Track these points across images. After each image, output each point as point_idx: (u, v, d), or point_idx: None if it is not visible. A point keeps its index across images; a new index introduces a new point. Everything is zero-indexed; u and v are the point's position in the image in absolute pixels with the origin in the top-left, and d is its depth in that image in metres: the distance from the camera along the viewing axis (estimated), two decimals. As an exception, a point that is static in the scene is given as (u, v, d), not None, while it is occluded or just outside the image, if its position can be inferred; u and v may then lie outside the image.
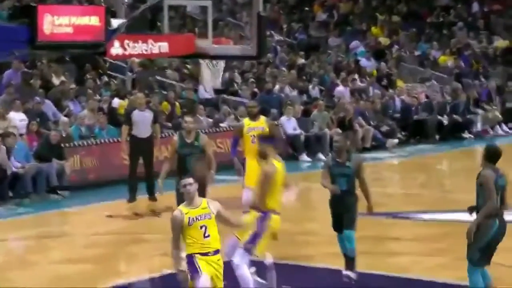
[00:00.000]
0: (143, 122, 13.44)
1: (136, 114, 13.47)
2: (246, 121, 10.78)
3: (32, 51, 7.90)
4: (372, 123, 20.40)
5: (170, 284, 6.76)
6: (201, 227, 6.58)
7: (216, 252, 6.65)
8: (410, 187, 15.88)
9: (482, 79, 25.27)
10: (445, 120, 21.96)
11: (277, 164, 8.05)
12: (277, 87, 20.71)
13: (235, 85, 20.86)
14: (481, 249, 7.44)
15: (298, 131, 18.81)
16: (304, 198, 15.17)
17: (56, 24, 7.39)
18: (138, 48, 8.37)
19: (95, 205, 13.85)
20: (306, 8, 29.22)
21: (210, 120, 18.37)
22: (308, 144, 18.83)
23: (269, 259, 9.59)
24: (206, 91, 19.73)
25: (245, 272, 7.76)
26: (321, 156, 18.26)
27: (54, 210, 13.71)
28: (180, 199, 9.61)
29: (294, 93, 21.02)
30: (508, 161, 7.82)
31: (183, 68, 20.72)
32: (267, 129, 10.53)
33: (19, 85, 17.00)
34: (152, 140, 13.59)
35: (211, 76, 8.79)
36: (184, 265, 6.69)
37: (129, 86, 18.92)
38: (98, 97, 17.58)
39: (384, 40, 27.01)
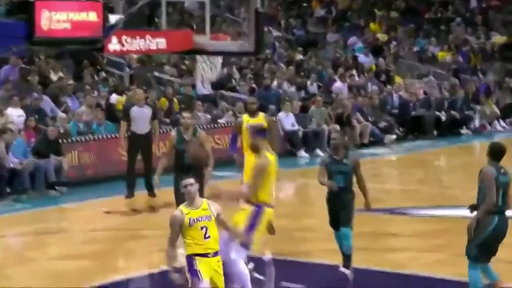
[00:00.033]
0: (141, 118, 13.43)
1: (134, 110, 13.46)
2: (245, 117, 10.78)
3: (30, 47, 7.88)
4: (370, 119, 20.40)
5: (168, 280, 6.73)
6: (201, 228, 6.56)
7: (216, 254, 6.62)
8: (408, 183, 15.88)
9: (480, 75, 25.27)
10: (443, 116, 21.97)
11: (270, 157, 8.04)
12: (275, 83, 20.70)
13: (233, 81, 20.85)
14: (478, 245, 7.45)
15: (296, 127, 18.80)
16: (302, 194, 15.18)
17: (53, 19, 7.37)
18: (136, 44, 8.36)
19: (93, 201, 13.84)
20: (304, 4, 29.20)
21: (208, 116, 18.36)
22: (306, 140, 18.83)
23: (267, 255, 9.60)
24: (204, 86, 19.71)
25: (243, 268, 7.75)
26: (319, 152, 18.26)
27: (52, 206, 13.70)
28: (179, 197, 9.64)
29: (292, 89, 21.01)
30: (507, 157, 7.80)
31: (181, 64, 20.70)
32: (266, 126, 10.52)
33: (16, 81, 16.98)
34: (151, 136, 13.58)
35: (207, 70, 8.76)
36: (178, 263, 6.67)
37: (127, 82, 18.91)
38: (96, 93, 17.57)
39: (382, 36, 26.99)
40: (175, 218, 6.61)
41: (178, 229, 6.60)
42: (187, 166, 9.62)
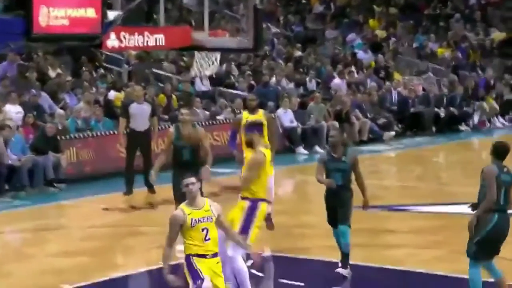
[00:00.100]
0: (141, 115, 13.44)
1: (134, 107, 13.46)
2: (244, 114, 10.79)
3: (28, 43, 7.88)
4: (369, 115, 20.42)
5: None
6: (202, 230, 6.52)
7: (215, 255, 6.61)
8: (407, 180, 15.90)
9: (479, 72, 25.27)
10: (442, 112, 21.99)
11: (265, 152, 8.06)
12: (273, 79, 20.71)
13: (232, 77, 20.85)
14: (478, 243, 7.46)
15: (295, 123, 18.82)
16: (301, 191, 15.20)
17: (51, 16, 7.37)
18: (134, 40, 8.35)
19: (92, 197, 13.86)
20: (303, 0, 29.19)
21: (207, 112, 18.37)
22: (305, 136, 18.85)
23: (267, 252, 9.63)
24: (202, 83, 19.72)
25: (241, 264, 7.76)
26: (318, 148, 18.27)
27: (50, 203, 13.71)
28: (178, 194, 9.65)
29: (291, 85, 21.02)
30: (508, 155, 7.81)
31: (179, 60, 20.70)
32: (265, 122, 10.55)
33: (15, 78, 16.98)
34: (150, 133, 13.59)
35: (205, 67, 8.77)
36: (175, 259, 6.65)
37: (125, 78, 18.91)
38: (94, 89, 17.57)
39: (381, 33, 26.99)
40: (176, 218, 6.56)
41: (178, 229, 6.56)
42: (186, 163, 9.65)
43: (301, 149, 18.61)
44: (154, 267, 9.10)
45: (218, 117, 18.22)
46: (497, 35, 27.34)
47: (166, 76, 19.84)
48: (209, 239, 6.55)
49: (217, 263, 6.63)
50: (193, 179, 6.56)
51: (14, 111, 15.34)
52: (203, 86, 19.75)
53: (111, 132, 15.75)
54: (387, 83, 22.79)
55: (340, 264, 8.80)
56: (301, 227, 11.42)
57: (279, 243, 10.32)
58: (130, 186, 13.53)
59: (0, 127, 14.20)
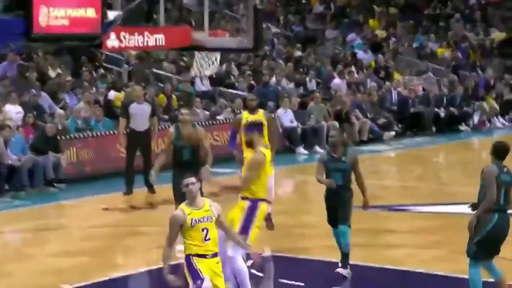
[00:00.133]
0: (141, 115, 13.43)
1: (134, 107, 13.46)
2: (244, 114, 10.80)
3: (28, 43, 7.88)
4: (369, 115, 20.42)
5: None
6: (202, 230, 6.51)
7: (215, 255, 6.61)
8: (407, 180, 15.90)
9: (479, 72, 25.26)
10: (442, 112, 21.99)
11: (265, 152, 8.06)
12: (273, 79, 20.71)
13: (232, 77, 20.85)
14: (478, 243, 7.46)
15: (295, 123, 18.82)
16: (301, 191, 15.20)
17: (51, 16, 7.37)
18: (134, 40, 8.34)
19: (92, 198, 13.86)
20: (303, 0, 29.18)
21: (207, 112, 18.37)
22: (305, 136, 18.85)
23: (267, 252, 9.63)
24: (202, 83, 19.72)
25: (241, 264, 7.75)
26: (318, 148, 18.28)
27: (50, 203, 13.71)
28: (178, 193, 9.65)
29: (291, 85, 21.02)
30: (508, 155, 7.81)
31: (179, 60, 20.70)
32: (265, 123, 10.56)
33: (14, 78, 16.98)
34: (150, 133, 13.59)
35: (205, 67, 8.77)
36: (174, 259, 6.64)
37: (125, 78, 18.90)
38: (94, 89, 17.57)
39: (381, 33, 27.00)
40: (176, 218, 6.55)
41: (178, 229, 6.56)
42: (186, 163, 9.65)
43: (301, 149, 18.61)
44: (154, 267, 9.10)
45: (218, 117, 18.22)
46: (497, 35, 27.34)
47: (166, 76, 19.85)
48: (209, 239, 6.54)
49: (217, 263, 6.63)
50: (193, 179, 6.56)
51: (14, 111, 15.34)
52: (203, 86, 19.75)
53: (111, 132, 15.76)
54: (387, 83, 22.79)
55: (340, 264, 8.80)
56: (301, 227, 11.42)
57: (279, 243, 10.32)
58: (130, 186, 13.53)
59: (0, 127, 14.20)
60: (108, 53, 18.86)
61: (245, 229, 7.80)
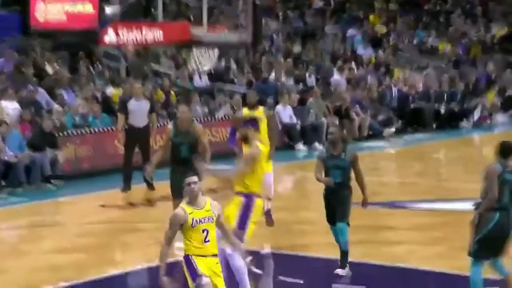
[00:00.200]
0: (139, 111, 13.42)
1: (132, 103, 13.44)
2: (245, 110, 10.79)
3: (25, 38, 7.88)
4: (369, 112, 20.41)
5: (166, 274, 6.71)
6: (203, 231, 6.48)
7: (214, 256, 6.59)
8: (407, 176, 15.91)
9: (480, 67, 25.22)
10: (442, 108, 21.98)
11: (262, 147, 8.05)
12: (272, 75, 20.70)
13: (231, 73, 20.83)
14: (479, 241, 7.45)
15: (294, 120, 18.81)
16: (300, 187, 15.19)
17: (49, 11, 7.35)
18: (132, 35, 8.32)
19: (89, 194, 13.86)
20: (303, -4, 29.14)
21: (206, 109, 18.34)
22: (304, 133, 18.84)
23: (266, 249, 9.63)
24: (200, 79, 19.71)
25: (239, 261, 7.74)
26: (317, 145, 18.27)
27: (47, 199, 13.71)
28: (176, 191, 9.64)
29: (290, 81, 21.01)
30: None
31: (178, 56, 20.69)
32: (265, 120, 10.56)
33: (11, 73, 16.95)
34: (149, 130, 13.58)
35: (203, 62, 8.77)
36: (172, 257, 6.61)
37: (123, 74, 18.88)
38: (91, 85, 17.55)
39: (381, 28, 26.97)
40: (176, 217, 6.51)
41: (178, 227, 6.52)
42: (184, 160, 9.63)
43: (300, 146, 18.61)
44: (152, 264, 9.09)
45: (216, 114, 18.20)
46: (498, 30, 27.31)
47: (164, 72, 19.82)
48: (208, 240, 6.52)
49: (217, 263, 6.62)
50: (195, 178, 6.52)
51: (11, 107, 15.33)
52: (202, 82, 19.73)
53: (109, 128, 15.75)
54: (387, 79, 22.78)
55: (339, 264, 8.79)
56: (300, 223, 11.42)
57: (278, 240, 10.32)
58: (128, 183, 13.53)
59: (-3, 123, 14.20)
60: (105, 48, 18.84)
61: (241, 225, 7.79)
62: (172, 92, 18.30)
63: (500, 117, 22.98)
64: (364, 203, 8.83)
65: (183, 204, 6.58)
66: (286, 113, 18.77)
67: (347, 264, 8.73)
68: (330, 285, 8.55)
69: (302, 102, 19.63)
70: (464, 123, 22.24)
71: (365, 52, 24.62)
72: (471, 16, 28.40)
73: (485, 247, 7.45)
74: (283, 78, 20.85)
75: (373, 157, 17.61)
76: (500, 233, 7.44)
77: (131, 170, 13.58)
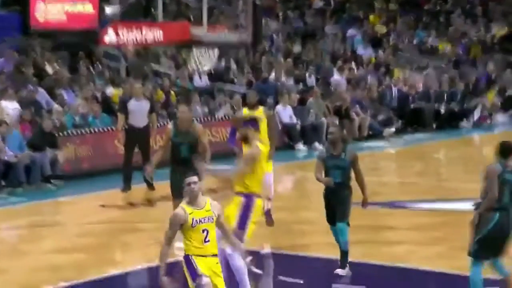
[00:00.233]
0: (140, 111, 13.42)
1: (132, 103, 13.44)
2: (245, 110, 10.79)
3: (25, 39, 7.88)
4: (369, 112, 20.41)
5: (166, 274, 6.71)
6: (203, 231, 6.48)
7: (214, 256, 6.59)
8: (407, 176, 15.91)
9: (481, 67, 25.22)
10: (442, 108, 21.98)
11: (262, 147, 8.05)
12: (272, 75, 20.70)
13: (231, 73, 20.83)
14: (479, 241, 7.45)
15: (294, 120, 18.81)
16: (300, 187, 15.20)
17: (49, 11, 7.35)
18: (132, 35, 8.32)
19: (89, 194, 13.86)
20: (303, -4, 29.14)
21: (206, 109, 18.34)
22: (304, 133, 18.84)
23: (266, 249, 9.63)
24: (200, 79, 19.71)
25: (239, 261, 7.74)
26: (317, 145, 18.28)
27: (47, 199, 13.71)
28: (176, 191, 9.65)
29: (290, 81, 21.01)
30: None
31: (178, 56, 20.69)
32: (265, 120, 10.56)
33: (11, 73, 16.95)
34: (149, 130, 13.58)
35: (203, 62, 8.77)
36: (172, 257, 6.61)
37: (123, 74, 18.88)
38: (91, 85, 17.55)
39: (381, 28, 26.98)
40: (177, 217, 6.50)
41: (178, 228, 6.53)
42: (184, 160, 9.64)
43: (300, 146, 18.61)
44: (152, 264, 9.09)
45: (216, 114, 18.20)
46: (499, 30, 27.30)
47: (164, 72, 19.82)
48: (208, 240, 6.52)
49: (217, 263, 6.62)
50: (195, 178, 6.51)
51: (11, 107, 15.33)
52: (202, 82, 19.73)
53: (109, 128, 15.75)
54: (387, 79, 22.78)
55: (339, 263, 8.79)
56: (300, 223, 11.42)
57: (278, 240, 10.32)
58: (128, 183, 13.53)
59: (-3, 123, 14.20)
60: (105, 48, 18.84)
61: (241, 225, 7.80)
62: (172, 92, 18.30)
63: (500, 117, 22.98)
64: (364, 203, 8.83)
65: (183, 204, 6.58)
66: (286, 113, 18.77)
67: (347, 264, 8.73)
68: (330, 285, 8.55)
69: (302, 102, 19.63)
70: (464, 123, 22.24)
71: (365, 52, 24.62)
72: (471, 16, 28.40)
73: (485, 247, 7.45)
74: (283, 78, 20.85)
75: (373, 157, 17.62)
76: (500, 233, 7.44)
77: (131, 170, 13.58)
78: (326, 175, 8.75)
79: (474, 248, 7.48)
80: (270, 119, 10.76)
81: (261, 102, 12.47)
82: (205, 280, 6.44)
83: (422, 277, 8.94)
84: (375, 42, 25.54)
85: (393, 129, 20.73)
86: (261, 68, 21.02)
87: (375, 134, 20.18)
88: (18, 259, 10.01)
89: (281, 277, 8.77)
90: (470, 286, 7.51)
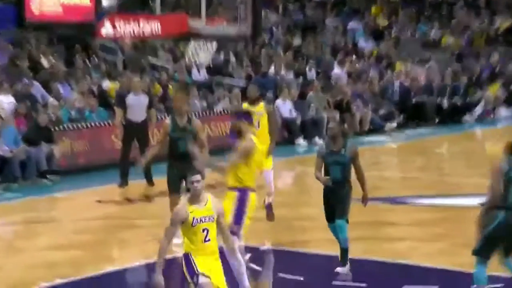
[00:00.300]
0: (138, 106, 13.41)
1: (131, 98, 13.42)
2: (245, 106, 10.78)
3: (20, 31, 7.87)
4: (370, 106, 20.42)
5: (165, 271, 6.73)
6: (203, 230, 6.47)
7: (214, 255, 6.59)
8: (409, 171, 15.93)
9: (484, 60, 25.20)
10: (444, 102, 21.98)
11: (256, 140, 8.05)
12: (272, 69, 20.69)
13: (230, 67, 20.82)
14: (483, 240, 7.45)
15: (294, 114, 18.82)
16: (301, 182, 15.21)
17: (44, 3, 7.34)
18: (129, 28, 8.32)
19: (86, 190, 13.87)
20: (303, -13, 29.10)
21: (204, 104, 18.34)
22: (305, 127, 18.85)
23: (267, 246, 9.65)
24: (199, 72, 19.70)
25: (238, 259, 7.75)
26: (317, 140, 18.29)
27: (43, 195, 13.72)
28: (172, 186, 9.66)
29: (290, 75, 21.01)
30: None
31: (175, 49, 20.67)
32: (266, 115, 10.56)
33: (6, 66, 16.94)
34: (147, 125, 13.57)
35: (201, 55, 8.76)
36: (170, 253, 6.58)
37: (120, 67, 18.87)
38: (88, 78, 17.54)
39: (382, 21, 26.96)
40: (178, 214, 6.49)
41: (180, 225, 6.54)
42: (181, 155, 9.65)
43: (300, 140, 18.62)
44: (149, 260, 9.11)
45: (215, 108, 18.20)
46: (503, 22, 27.26)
47: (162, 65, 19.81)
48: (209, 240, 6.53)
49: (217, 261, 6.62)
50: (198, 177, 6.50)
51: (5, 101, 15.32)
52: (200, 75, 19.72)
53: (106, 122, 15.75)
54: (389, 72, 22.77)
55: (339, 259, 8.80)
56: (301, 219, 11.43)
57: (278, 236, 10.34)
58: (125, 178, 13.52)
59: (-9, 118, 14.20)
60: (102, 41, 18.82)
61: (238, 220, 7.82)
62: (170, 86, 18.30)
63: (503, 111, 22.98)
64: (364, 200, 8.82)
65: (185, 201, 6.56)
66: (286, 107, 18.78)
67: (348, 262, 8.74)
68: (331, 282, 8.57)
69: (302, 96, 19.63)
70: (467, 117, 22.24)
71: (366, 45, 24.60)
72: (474, 8, 28.36)
73: (489, 246, 7.44)
74: (283, 72, 20.84)
75: (374, 152, 17.63)
76: (504, 232, 7.43)
77: (128, 165, 13.57)
78: (326, 171, 8.75)
79: (478, 247, 7.48)
80: (271, 115, 10.76)
81: (260, 96, 12.45)
82: (202, 279, 6.45)
83: (423, 274, 8.96)
84: (377, 35, 25.51)
85: (394, 124, 20.74)
86: (261, 62, 21.00)
87: (377, 129, 20.19)
88: (14, 256, 10.03)
89: (281, 274, 8.78)
90: (474, 283, 7.52)
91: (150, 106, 13.58)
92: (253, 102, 10.72)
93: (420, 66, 23.95)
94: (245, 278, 7.70)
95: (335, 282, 8.53)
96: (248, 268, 7.97)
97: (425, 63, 24.24)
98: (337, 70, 21.75)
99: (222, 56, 20.63)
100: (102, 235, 10.99)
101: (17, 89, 16.00)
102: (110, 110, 15.89)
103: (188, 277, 6.53)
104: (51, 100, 16.07)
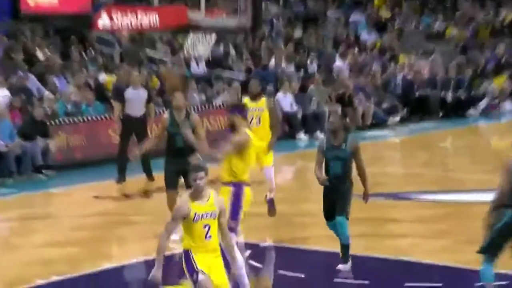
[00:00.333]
0: (137, 100, 13.42)
1: (130, 92, 13.44)
2: (246, 100, 10.78)
3: (15, 23, 7.87)
4: (372, 99, 20.42)
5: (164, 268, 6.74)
6: (204, 227, 6.48)
7: (215, 252, 6.60)
8: (412, 166, 15.94)
9: (489, 52, 25.18)
10: (448, 96, 21.98)
11: (250, 134, 8.07)
12: (272, 61, 20.69)
13: (229, 60, 20.82)
14: (490, 238, 7.46)
15: (295, 108, 18.83)
16: (302, 177, 15.24)
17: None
18: (126, 20, 8.32)
19: (82, 185, 13.89)
20: (304, -22, 29.07)
21: (203, 97, 18.35)
22: (306, 121, 18.86)
23: (267, 242, 9.67)
24: (197, 65, 19.70)
25: (237, 256, 7.77)
26: (319, 134, 18.30)
27: (38, 190, 13.75)
28: (169, 181, 9.67)
29: (291, 68, 21.01)
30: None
31: (174, 41, 20.67)
32: (267, 110, 10.57)
33: (0, 59, 16.94)
34: (146, 119, 13.59)
35: (200, 48, 8.77)
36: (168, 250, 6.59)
37: (117, 60, 18.88)
38: (84, 71, 17.55)
39: (385, 13, 26.94)
40: (179, 210, 6.49)
41: (181, 221, 6.55)
42: (179, 150, 9.67)
43: (301, 135, 18.64)
44: (147, 257, 9.13)
45: (214, 101, 18.22)
46: (508, 14, 27.24)
47: (160, 58, 19.81)
48: (210, 236, 6.53)
49: (217, 259, 6.63)
50: (203, 174, 6.50)
51: (0, 94, 15.33)
52: (199, 69, 19.72)
53: (103, 116, 15.76)
54: (392, 65, 22.77)
55: (340, 255, 8.82)
56: (301, 215, 11.46)
57: (279, 232, 10.37)
58: (123, 174, 13.55)
59: (-14, 112, 14.21)
60: (99, 33, 18.81)
61: (234, 215, 7.85)
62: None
63: (509, 105, 22.97)
64: (365, 196, 8.81)
65: (187, 197, 6.56)
66: (286, 101, 18.79)
67: (349, 259, 8.76)
68: (332, 279, 8.59)
69: (303, 89, 19.64)
70: (472, 111, 22.25)
71: (369, 37, 24.60)
72: (479, -1, 28.35)
73: (495, 245, 7.45)
74: (284, 65, 20.84)
75: (377, 146, 17.65)
76: (510, 232, 7.44)
77: (126, 161, 13.60)
78: (327, 166, 8.74)
79: (485, 245, 7.49)
80: (272, 110, 10.77)
81: (263, 91, 12.44)
82: (201, 277, 6.47)
83: (426, 271, 8.98)
84: (380, 27, 25.51)
85: (397, 118, 20.75)
86: (261, 54, 21.00)
87: (379, 123, 20.20)
88: (9, 253, 10.05)
89: (281, 271, 8.81)
90: (480, 281, 7.54)
91: (149, 100, 13.60)
92: (255, 97, 10.72)
93: (424, 58, 23.94)
94: (244, 275, 7.72)
95: (336, 279, 8.56)
96: (247, 265, 7.99)
97: (429, 55, 24.23)
98: (339, 63, 21.75)
99: (221, 49, 20.64)
100: (99, 231, 11.02)
101: (12, 82, 16.01)
102: (107, 104, 15.90)
103: (187, 274, 6.55)
104: (46, 93, 16.08)
